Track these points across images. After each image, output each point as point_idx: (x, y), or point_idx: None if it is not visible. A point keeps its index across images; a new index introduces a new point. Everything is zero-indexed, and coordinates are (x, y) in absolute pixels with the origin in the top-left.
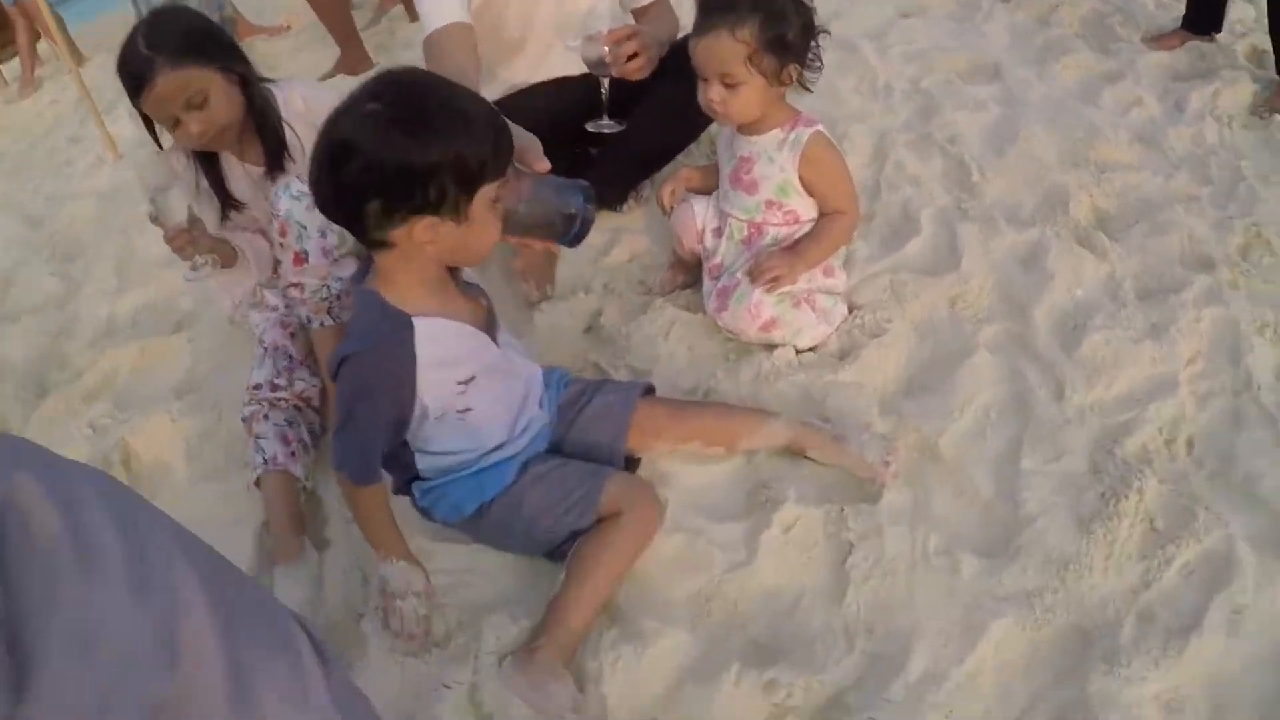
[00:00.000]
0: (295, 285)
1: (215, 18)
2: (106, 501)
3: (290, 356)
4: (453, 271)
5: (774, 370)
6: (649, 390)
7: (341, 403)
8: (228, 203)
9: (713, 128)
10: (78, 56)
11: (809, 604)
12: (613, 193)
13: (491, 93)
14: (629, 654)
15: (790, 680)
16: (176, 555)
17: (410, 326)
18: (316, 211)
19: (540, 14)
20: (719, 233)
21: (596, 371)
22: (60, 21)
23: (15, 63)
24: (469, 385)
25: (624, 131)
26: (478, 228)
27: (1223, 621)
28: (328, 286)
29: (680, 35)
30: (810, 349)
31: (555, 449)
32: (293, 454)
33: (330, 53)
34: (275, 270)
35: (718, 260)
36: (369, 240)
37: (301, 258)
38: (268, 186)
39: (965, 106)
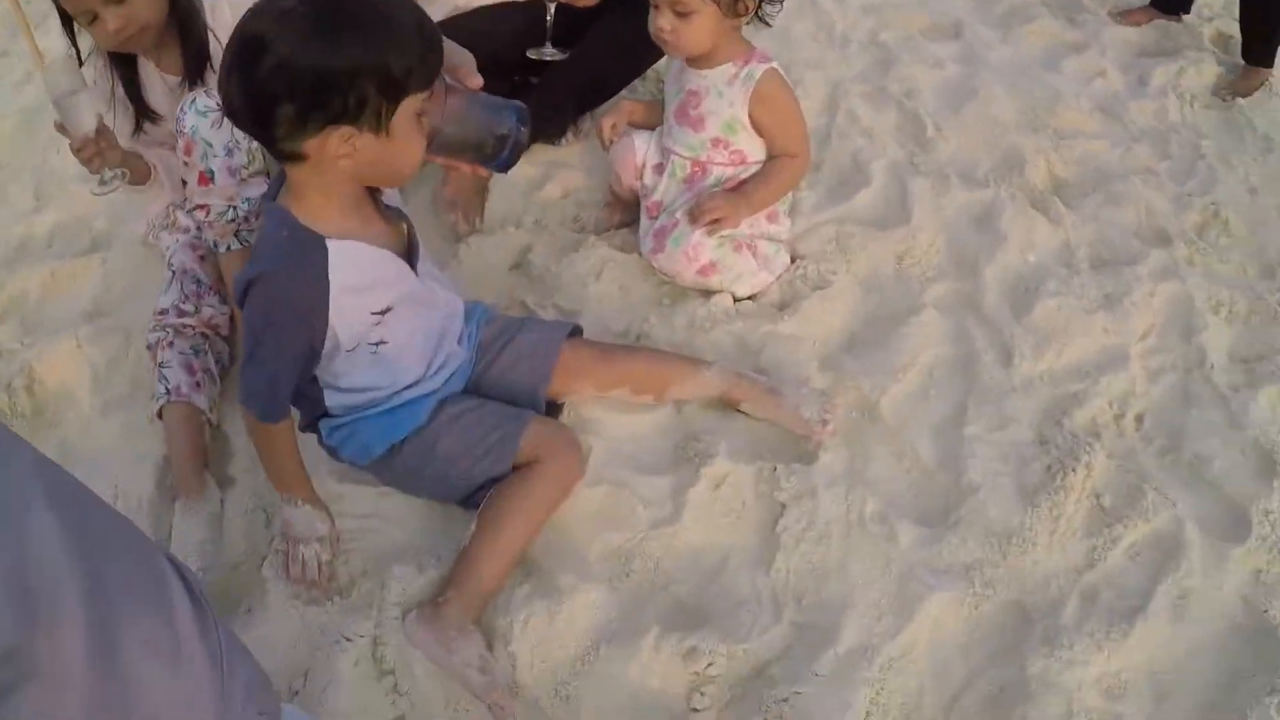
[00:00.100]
0: (201, 207)
1: None
2: None
3: (199, 281)
4: (373, 193)
5: (709, 317)
6: (576, 331)
7: (248, 332)
8: (143, 112)
9: (660, 63)
10: None
11: (735, 567)
12: (551, 125)
13: (433, 15)
14: (542, 611)
15: (712, 648)
16: (34, 495)
17: (323, 248)
18: (223, 129)
19: None
20: (660, 170)
21: (523, 310)
22: None
23: None
24: (385, 316)
25: (567, 60)
26: (400, 143)
27: (1168, 605)
28: (234, 208)
29: None
30: (749, 297)
31: (473, 389)
32: (197, 384)
33: None
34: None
35: (656, 198)
36: (280, 151)
37: (207, 177)
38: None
39: (924, 62)
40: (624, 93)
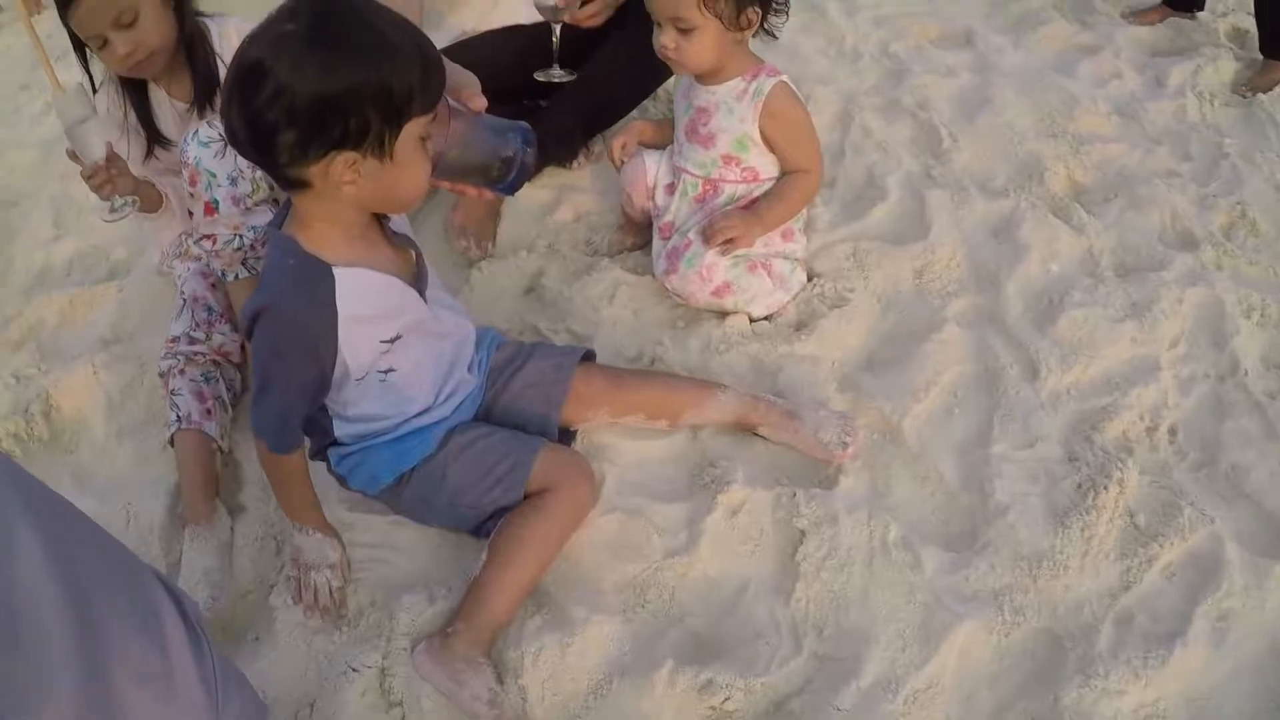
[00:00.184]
0: (208, 237)
1: None
2: None
3: (210, 309)
4: (380, 220)
5: (725, 339)
6: (589, 356)
7: (257, 364)
8: (154, 138)
9: (670, 82)
10: (33, 4)
11: (753, 597)
12: (562, 148)
13: (438, 40)
14: (553, 644)
15: (729, 682)
16: (19, 518)
17: (330, 277)
18: (226, 158)
19: None
20: (671, 189)
21: (535, 335)
22: None
23: None
24: (394, 344)
25: (575, 82)
26: (404, 168)
27: (1208, 628)
28: (240, 237)
29: None
30: (765, 318)
31: (483, 416)
32: (208, 412)
33: None
34: None
35: (669, 219)
36: (284, 178)
37: (212, 207)
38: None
39: (936, 72)
40: (634, 113)
